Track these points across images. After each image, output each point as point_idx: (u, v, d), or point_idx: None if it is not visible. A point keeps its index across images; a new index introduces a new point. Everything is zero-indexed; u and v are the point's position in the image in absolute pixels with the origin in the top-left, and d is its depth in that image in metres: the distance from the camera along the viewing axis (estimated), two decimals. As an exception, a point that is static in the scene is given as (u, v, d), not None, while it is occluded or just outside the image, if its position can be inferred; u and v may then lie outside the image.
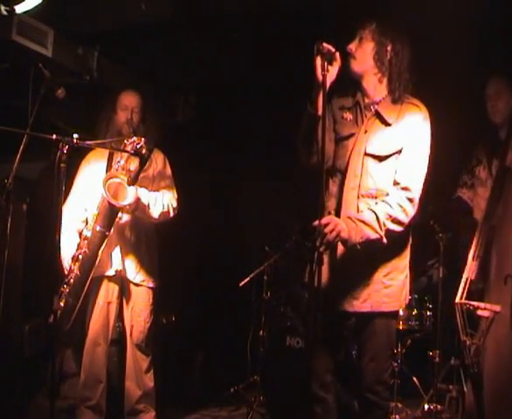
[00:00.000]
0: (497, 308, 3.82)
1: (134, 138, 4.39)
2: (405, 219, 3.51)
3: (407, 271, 3.71)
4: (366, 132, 3.65)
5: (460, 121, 5.56)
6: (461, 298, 3.88)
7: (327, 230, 3.34)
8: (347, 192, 3.60)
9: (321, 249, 3.34)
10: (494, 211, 3.98)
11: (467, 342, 3.83)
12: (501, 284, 3.82)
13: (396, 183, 3.55)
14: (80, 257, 4.53)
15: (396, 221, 3.49)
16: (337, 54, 3.55)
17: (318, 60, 3.48)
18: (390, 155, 3.59)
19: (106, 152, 4.86)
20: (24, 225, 5.53)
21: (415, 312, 5.62)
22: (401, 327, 5.57)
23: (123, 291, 4.87)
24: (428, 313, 5.66)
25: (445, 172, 5.30)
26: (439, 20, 4.94)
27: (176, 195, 4.94)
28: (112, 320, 4.86)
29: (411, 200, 3.51)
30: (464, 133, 5.36)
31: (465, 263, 3.98)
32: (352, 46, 3.66)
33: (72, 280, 4.51)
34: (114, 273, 4.76)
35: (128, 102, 4.88)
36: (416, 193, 3.54)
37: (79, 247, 4.56)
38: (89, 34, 5.54)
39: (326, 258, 3.61)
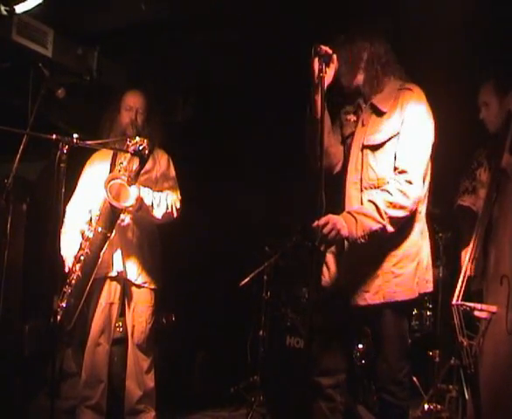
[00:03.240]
0: (493, 309, 3.82)
1: (137, 139, 4.40)
2: (407, 202, 3.48)
3: (420, 259, 3.66)
4: (363, 125, 3.70)
5: (461, 123, 5.56)
6: (458, 299, 3.89)
7: (325, 230, 3.35)
8: (349, 187, 3.63)
9: (322, 248, 3.36)
10: (490, 212, 3.98)
11: (464, 343, 3.83)
12: (498, 284, 3.82)
13: (395, 169, 3.55)
14: (82, 257, 4.52)
15: (398, 206, 3.46)
16: (334, 56, 3.58)
17: (315, 62, 3.50)
18: (386, 142, 3.60)
19: (110, 153, 4.86)
20: (24, 225, 5.55)
21: (415, 311, 5.63)
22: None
23: (125, 292, 4.87)
24: (428, 313, 5.66)
25: (445, 173, 5.32)
26: (441, 20, 4.95)
27: (179, 197, 4.93)
28: (114, 321, 4.87)
29: (410, 182, 3.48)
30: (465, 134, 5.37)
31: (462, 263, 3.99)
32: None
33: (73, 281, 4.51)
34: (115, 274, 4.76)
35: (133, 103, 4.88)
36: (415, 174, 3.51)
37: (81, 248, 4.55)
38: (89, 34, 5.54)
39: (332, 256, 3.70)
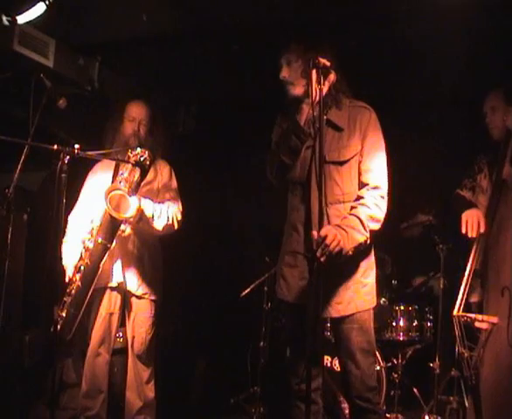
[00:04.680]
0: (495, 320, 3.83)
1: (139, 150, 4.41)
2: (382, 216, 3.64)
3: (374, 269, 3.81)
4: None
5: (462, 134, 5.57)
6: (459, 310, 3.89)
7: (328, 240, 3.37)
8: (314, 202, 3.62)
9: (322, 259, 3.37)
10: (491, 223, 3.98)
11: (465, 354, 3.84)
12: (499, 295, 3.83)
13: (364, 185, 3.66)
14: (82, 268, 4.52)
15: (376, 220, 3.61)
16: (332, 71, 3.60)
17: (313, 74, 3.51)
18: (351, 158, 3.68)
19: (113, 163, 4.86)
20: (24, 235, 5.55)
21: (415, 323, 5.64)
22: (402, 339, 5.58)
23: (125, 303, 4.86)
24: (429, 324, 5.67)
25: (445, 185, 5.32)
26: (441, 33, 4.96)
27: (181, 208, 4.91)
28: (114, 331, 4.85)
29: (383, 197, 3.65)
30: (466, 146, 5.38)
31: (463, 274, 3.99)
32: (284, 73, 3.70)
33: (73, 291, 4.51)
34: (115, 285, 4.76)
35: (136, 114, 4.87)
36: (385, 189, 3.68)
37: (81, 258, 4.56)
38: (90, 45, 5.54)
39: (289, 268, 3.77)
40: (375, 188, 3.63)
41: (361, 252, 3.65)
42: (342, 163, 3.67)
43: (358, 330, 3.66)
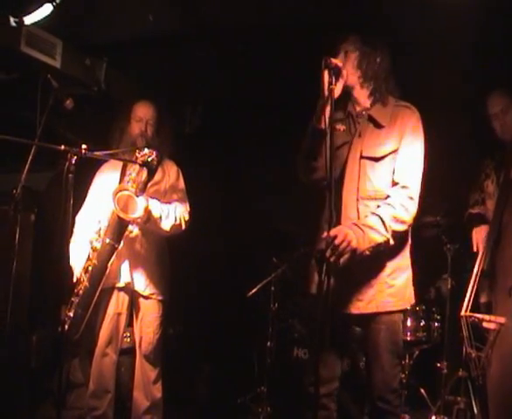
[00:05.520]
0: (502, 320, 3.82)
1: (146, 150, 4.40)
2: (408, 217, 3.57)
3: (410, 271, 3.75)
4: (360, 136, 3.71)
5: (471, 136, 5.56)
6: (466, 310, 3.88)
7: (337, 241, 3.35)
8: (346, 197, 3.63)
9: (332, 260, 3.35)
10: (499, 223, 3.98)
11: (473, 354, 3.83)
12: (506, 295, 3.83)
13: (395, 183, 3.62)
14: (90, 268, 4.53)
15: (400, 220, 3.54)
16: (344, 70, 3.59)
17: (325, 75, 3.51)
18: (386, 156, 3.65)
19: (119, 164, 4.85)
20: (31, 235, 5.56)
21: (423, 323, 5.60)
22: (409, 339, 5.55)
23: (133, 303, 4.87)
24: (436, 325, 5.65)
25: (452, 184, 5.31)
26: (447, 37, 4.96)
27: (188, 209, 4.92)
28: (121, 331, 4.86)
29: (411, 198, 3.58)
30: (470, 146, 5.37)
31: (471, 274, 3.98)
32: (339, 61, 3.69)
33: (81, 291, 4.51)
34: (123, 285, 4.76)
35: (143, 114, 4.88)
36: (415, 190, 3.61)
37: (88, 258, 4.56)
38: (97, 45, 5.55)
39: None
40: (404, 187, 3.58)
41: (389, 252, 3.61)
42: (377, 160, 3.64)
43: (386, 331, 3.62)
